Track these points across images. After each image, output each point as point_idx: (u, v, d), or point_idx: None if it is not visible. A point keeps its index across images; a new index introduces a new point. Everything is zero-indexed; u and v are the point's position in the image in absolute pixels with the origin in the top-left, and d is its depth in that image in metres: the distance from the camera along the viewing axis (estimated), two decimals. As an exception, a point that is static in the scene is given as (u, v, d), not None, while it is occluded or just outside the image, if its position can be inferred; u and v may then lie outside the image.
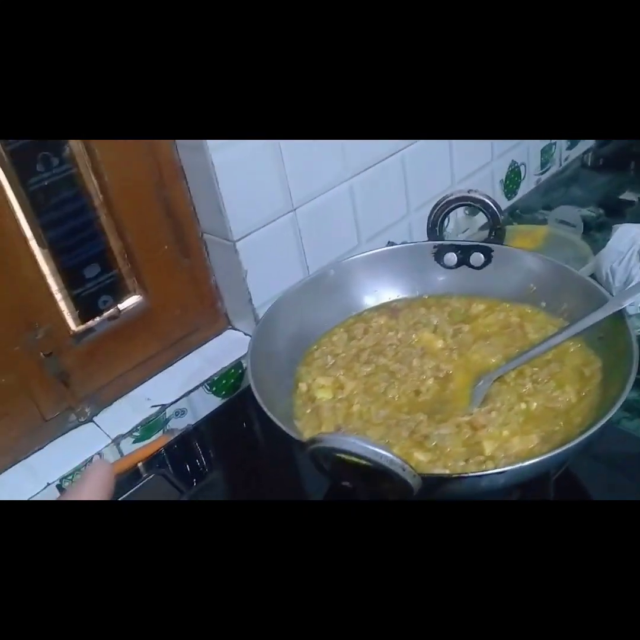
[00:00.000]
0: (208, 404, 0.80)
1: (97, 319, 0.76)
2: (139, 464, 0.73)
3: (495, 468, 0.48)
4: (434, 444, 0.55)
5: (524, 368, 0.63)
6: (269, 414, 0.52)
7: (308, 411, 0.63)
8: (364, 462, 0.41)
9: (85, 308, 0.75)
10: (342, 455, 0.42)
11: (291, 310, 0.70)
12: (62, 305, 0.73)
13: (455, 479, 0.46)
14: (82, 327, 0.76)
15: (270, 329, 0.67)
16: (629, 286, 0.79)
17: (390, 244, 0.93)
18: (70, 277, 0.73)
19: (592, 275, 0.86)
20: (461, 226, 1.00)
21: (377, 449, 0.40)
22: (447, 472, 0.50)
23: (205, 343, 0.86)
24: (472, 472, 0.46)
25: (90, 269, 0.75)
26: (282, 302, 0.70)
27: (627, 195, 1.06)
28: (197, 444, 0.77)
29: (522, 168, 1.10)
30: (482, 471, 0.46)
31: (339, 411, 0.62)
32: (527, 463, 0.46)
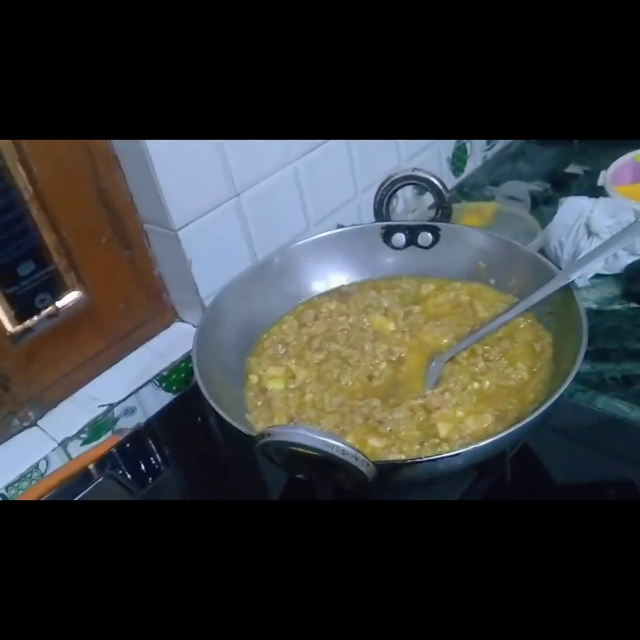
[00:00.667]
0: (159, 400, 0.77)
1: (35, 318, 0.73)
2: (90, 466, 0.70)
3: (450, 450, 0.48)
4: (388, 429, 0.54)
5: (476, 347, 0.63)
6: (216, 408, 0.50)
7: (259, 403, 0.61)
8: (315, 453, 0.40)
9: (21, 307, 0.72)
10: (294, 448, 0.41)
11: (238, 299, 0.68)
12: (-4, 306, 0.70)
13: (409, 465, 0.45)
14: (19, 327, 0.72)
15: (216, 320, 0.65)
16: (576, 259, 0.79)
17: (339, 226, 0.91)
18: (2, 276, 0.69)
19: (541, 250, 0.86)
20: (410, 206, 0.99)
21: (327, 440, 0.39)
22: (402, 457, 0.49)
23: (153, 337, 0.83)
24: (425, 457, 0.45)
25: (24, 266, 0.71)
26: (227, 292, 0.68)
27: (572, 168, 1.06)
28: (149, 442, 0.74)
29: (468, 145, 1.10)
30: (435, 455, 0.46)
31: (291, 401, 0.60)
32: (480, 444, 0.45)
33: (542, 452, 0.62)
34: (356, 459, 0.39)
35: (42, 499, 0.65)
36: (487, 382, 0.59)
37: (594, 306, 0.80)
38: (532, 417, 0.47)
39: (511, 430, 0.46)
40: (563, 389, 0.49)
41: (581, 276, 0.84)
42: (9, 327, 0.71)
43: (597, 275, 0.83)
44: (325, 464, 0.41)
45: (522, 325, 0.65)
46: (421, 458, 0.44)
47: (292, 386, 0.62)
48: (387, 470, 0.44)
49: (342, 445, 0.39)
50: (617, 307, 0.80)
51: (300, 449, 0.40)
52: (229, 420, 0.49)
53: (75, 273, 0.75)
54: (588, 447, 0.64)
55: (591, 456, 0.63)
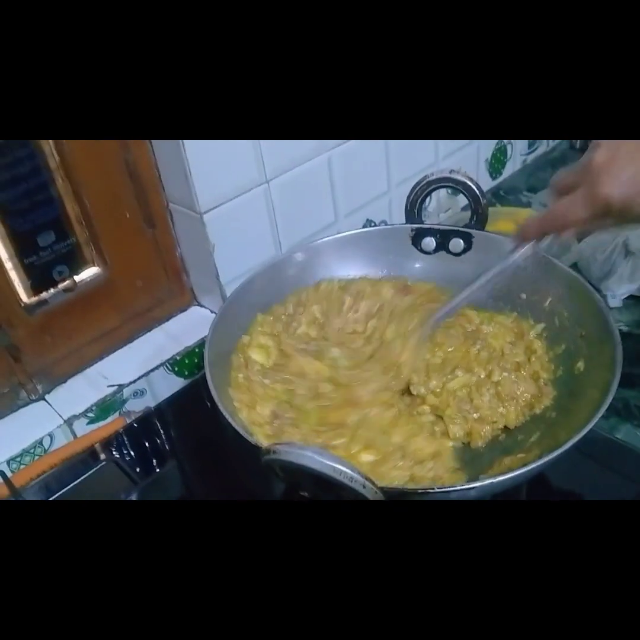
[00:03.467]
0: (169, 384, 0.76)
1: (52, 290, 0.71)
2: (95, 446, 0.69)
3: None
4: None
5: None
6: (223, 412, 0.48)
7: (240, 376, 0.60)
8: (321, 476, 0.38)
9: (39, 278, 0.70)
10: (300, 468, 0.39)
11: (257, 293, 0.66)
12: (13, 275, 0.68)
13: (419, 494, 0.43)
14: (34, 298, 0.71)
15: (234, 312, 0.63)
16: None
17: (368, 222, 0.89)
18: (21, 245, 0.68)
19: (575, 264, 0.83)
20: (443, 205, 0.96)
21: (335, 465, 0.37)
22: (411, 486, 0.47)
23: (169, 319, 0.81)
24: (437, 488, 0.43)
25: (44, 237, 0.69)
26: (248, 285, 0.66)
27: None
28: (156, 427, 0.73)
29: (508, 147, 1.06)
30: (449, 487, 0.43)
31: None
32: (498, 479, 0.43)
33: (556, 476, 0.60)
34: (364, 486, 0.38)
35: (43, 476, 0.65)
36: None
37: (625, 328, 0.77)
38: (557, 452, 0.44)
39: (532, 466, 0.44)
40: (593, 423, 0.47)
41: (614, 296, 0.82)
42: (25, 297, 0.70)
43: (631, 297, 0.80)
44: (331, 486, 0.39)
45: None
46: (433, 488, 0.42)
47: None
48: (395, 497, 0.42)
49: (350, 472, 0.37)
50: (648, 331, 0.77)
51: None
52: (236, 427, 0.47)
53: (96, 247, 0.73)
54: (604, 477, 0.62)
55: (607, 483, 0.60)
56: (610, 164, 0.46)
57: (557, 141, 1.15)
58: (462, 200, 0.97)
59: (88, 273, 0.74)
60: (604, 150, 0.47)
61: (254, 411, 0.58)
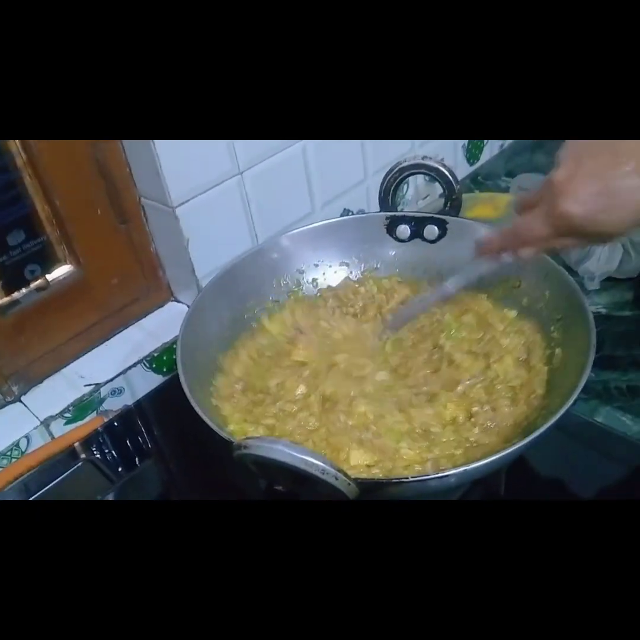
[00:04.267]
0: (147, 381, 0.75)
1: (24, 290, 0.70)
2: (74, 446, 0.69)
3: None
4: None
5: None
6: (197, 409, 0.48)
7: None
8: (294, 469, 0.38)
9: (10, 278, 0.69)
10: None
11: (231, 285, 0.65)
12: (-17, 276, 0.67)
13: (394, 484, 0.42)
14: (6, 299, 0.69)
15: (206, 306, 0.62)
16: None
17: (345, 211, 0.88)
18: (-9, 245, 0.67)
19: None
20: (421, 193, 0.96)
21: (306, 457, 0.37)
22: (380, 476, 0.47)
23: (146, 316, 0.81)
24: (412, 477, 0.42)
25: (13, 236, 0.68)
26: (218, 279, 0.65)
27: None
28: (135, 425, 0.72)
29: (486, 132, 1.05)
30: (423, 476, 0.43)
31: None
32: (475, 465, 0.42)
33: (536, 462, 0.60)
34: (336, 478, 0.37)
35: (20, 478, 0.64)
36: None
37: (603, 311, 0.77)
38: (534, 435, 0.44)
39: (510, 450, 0.43)
40: (568, 405, 0.47)
41: (591, 278, 0.81)
42: (-4, 298, 0.69)
43: (609, 279, 0.80)
44: (305, 479, 0.39)
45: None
46: (407, 478, 0.42)
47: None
48: (371, 488, 0.41)
49: (322, 465, 0.37)
50: (627, 313, 0.77)
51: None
52: (208, 421, 0.47)
53: (68, 245, 0.72)
54: (585, 459, 0.62)
55: (588, 467, 0.60)
56: (570, 182, 0.46)
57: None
58: (439, 187, 0.96)
59: (61, 271, 0.73)
60: (564, 169, 0.47)
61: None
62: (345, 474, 0.38)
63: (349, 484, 0.38)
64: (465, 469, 0.42)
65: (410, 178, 0.73)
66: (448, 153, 0.98)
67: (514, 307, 0.65)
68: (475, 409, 0.55)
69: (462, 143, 1.02)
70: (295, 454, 0.36)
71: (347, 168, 0.87)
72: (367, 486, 0.40)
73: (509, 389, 0.57)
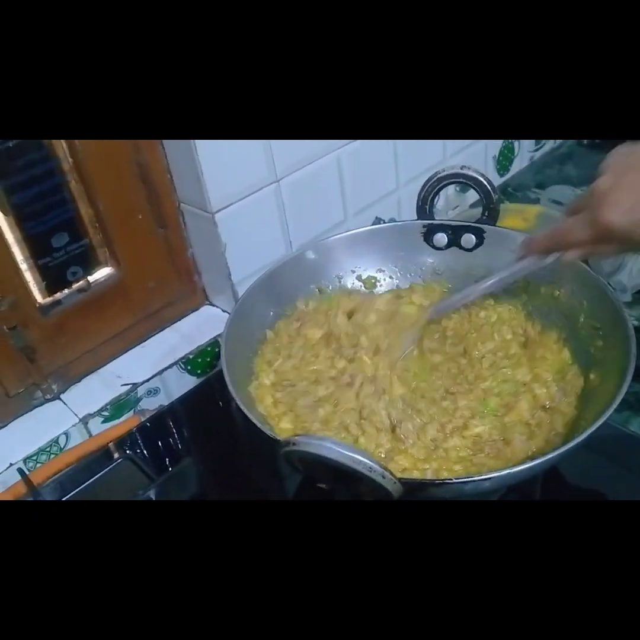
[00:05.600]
0: (182, 383, 0.77)
1: (66, 291, 0.72)
2: (110, 444, 0.70)
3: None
4: None
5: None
6: (245, 410, 0.49)
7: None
8: (341, 467, 0.38)
9: (53, 279, 0.71)
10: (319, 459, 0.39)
11: (268, 291, 0.66)
12: (28, 276, 0.69)
13: (437, 485, 0.43)
14: (49, 299, 0.71)
15: (247, 311, 0.63)
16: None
17: (377, 220, 0.89)
18: (36, 246, 0.69)
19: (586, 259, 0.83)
20: (451, 203, 0.97)
21: (355, 455, 0.37)
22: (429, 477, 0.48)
23: (182, 318, 0.82)
24: (456, 479, 0.43)
25: (58, 238, 0.70)
26: (258, 285, 0.66)
27: (623, 176, 1.02)
28: (170, 425, 0.73)
29: (516, 144, 1.06)
30: (466, 478, 0.44)
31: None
32: (513, 470, 0.43)
33: (570, 471, 0.60)
34: (383, 477, 0.38)
35: (59, 474, 0.65)
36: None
37: (636, 323, 0.77)
38: (571, 444, 0.45)
39: (548, 457, 0.44)
40: (607, 416, 0.47)
41: (624, 291, 0.82)
42: (39, 298, 0.71)
43: (641, 291, 0.80)
44: (349, 477, 0.40)
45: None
46: (451, 479, 0.43)
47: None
48: (414, 488, 0.42)
49: (370, 463, 0.37)
50: (661, 324, 0.77)
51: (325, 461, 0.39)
52: (254, 421, 0.48)
53: (109, 248, 0.74)
54: (616, 467, 0.62)
55: (620, 477, 0.60)
56: (612, 191, 0.47)
57: (564, 137, 1.15)
58: (470, 197, 0.97)
59: (101, 273, 0.75)
60: (607, 178, 0.48)
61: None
62: (392, 473, 0.39)
63: (395, 482, 0.39)
64: (508, 472, 0.43)
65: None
66: (479, 164, 0.99)
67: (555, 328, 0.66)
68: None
69: (492, 154, 1.02)
70: (344, 451, 0.37)
71: (380, 177, 0.89)
72: (412, 486, 0.41)
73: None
